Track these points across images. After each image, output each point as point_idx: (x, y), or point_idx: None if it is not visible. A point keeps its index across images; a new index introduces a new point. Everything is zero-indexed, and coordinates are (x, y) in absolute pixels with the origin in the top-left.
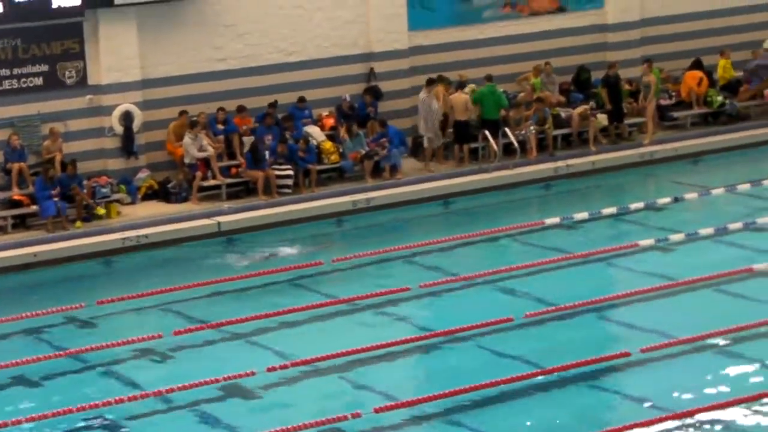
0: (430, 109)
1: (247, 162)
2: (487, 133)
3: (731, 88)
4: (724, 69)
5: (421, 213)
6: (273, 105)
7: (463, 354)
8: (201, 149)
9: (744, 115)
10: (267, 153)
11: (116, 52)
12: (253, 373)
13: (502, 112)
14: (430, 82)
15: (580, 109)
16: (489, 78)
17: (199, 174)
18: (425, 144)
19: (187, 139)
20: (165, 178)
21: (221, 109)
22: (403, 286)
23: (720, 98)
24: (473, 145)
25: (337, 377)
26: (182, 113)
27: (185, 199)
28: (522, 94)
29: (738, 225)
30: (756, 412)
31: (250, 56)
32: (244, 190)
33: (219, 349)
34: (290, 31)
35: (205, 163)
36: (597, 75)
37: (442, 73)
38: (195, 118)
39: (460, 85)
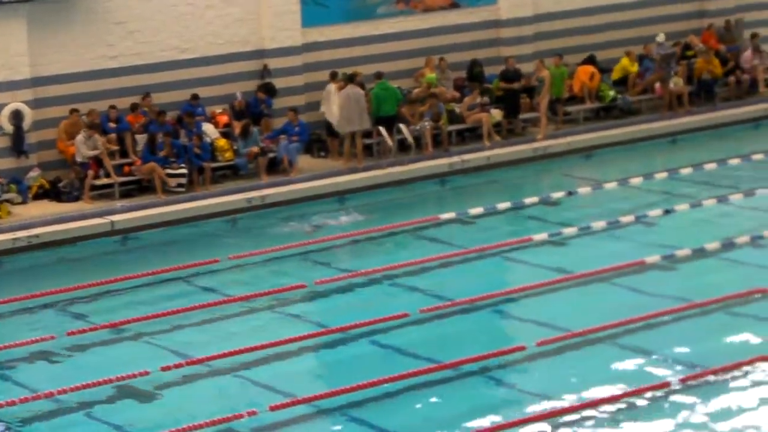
0: (358, 102)
1: (143, 157)
2: (381, 129)
3: (623, 82)
4: (623, 69)
5: (316, 210)
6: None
7: (359, 350)
8: (94, 148)
9: (635, 109)
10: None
11: (5, 50)
12: (147, 373)
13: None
14: (351, 78)
15: (468, 99)
16: (379, 75)
17: (90, 173)
18: (346, 139)
19: (79, 137)
20: (56, 177)
21: (113, 107)
22: (298, 283)
23: (612, 93)
24: (367, 141)
25: (232, 375)
26: (73, 111)
27: (77, 199)
28: (417, 90)
29: (630, 218)
30: (649, 403)
31: (142, 54)
32: (137, 189)
33: (113, 349)
34: (182, 29)
35: (97, 161)
36: (492, 70)
37: (336, 69)
38: (85, 117)
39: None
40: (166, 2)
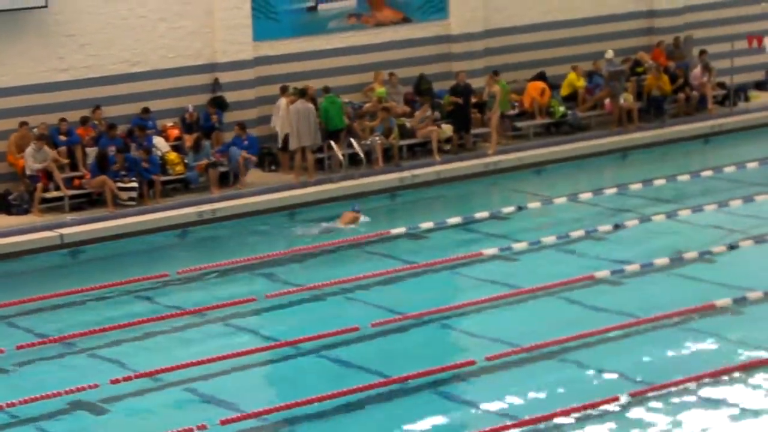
0: (308, 117)
1: (92, 171)
2: (332, 142)
3: (573, 98)
4: (570, 84)
5: (267, 224)
6: (95, 109)
7: (309, 364)
8: (44, 161)
9: (585, 125)
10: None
11: None
12: (96, 386)
13: (347, 121)
14: (303, 93)
15: (418, 113)
16: (326, 90)
17: (40, 185)
18: (297, 154)
19: (29, 150)
20: (6, 189)
21: (63, 119)
22: (249, 297)
23: (562, 108)
24: (318, 156)
25: (182, 389)
26: (23, 124)
27: (27, 212)
28: (368, 104)
29: (580, 233)
30: (599, 417)
31: (93, 66)
32: (87, 202)
33: (62, 363)
34: (133, 42)
35: (47, 174)
36: (442, 86)
37: (287, 83)
38: (36, 130)
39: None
40: (118, 15)
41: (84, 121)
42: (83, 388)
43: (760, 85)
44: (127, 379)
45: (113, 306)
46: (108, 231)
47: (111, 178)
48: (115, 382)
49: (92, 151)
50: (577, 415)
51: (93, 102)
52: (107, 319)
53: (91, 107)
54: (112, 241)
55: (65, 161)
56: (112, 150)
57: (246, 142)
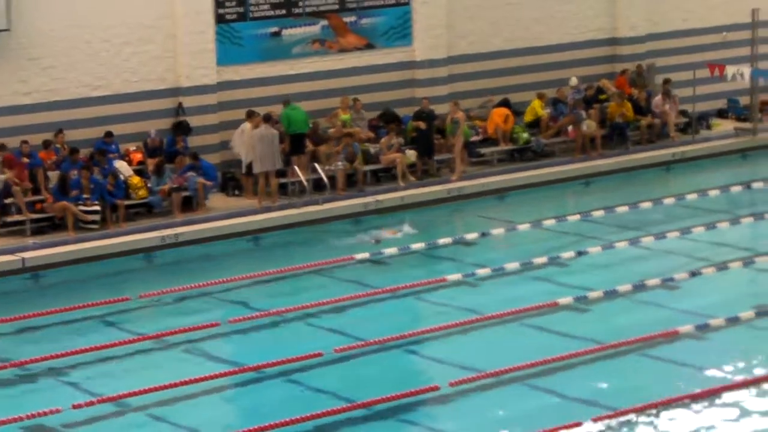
0: (272, 142)
1: (55, 195)
2: (296, 168)
3: (536, 125)
4: (533, 111)
5: (230, 248)
6: (57, 133)
7: (273, 389)
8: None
9: (549, 151)
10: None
11: None
12: (58, 411)
13: (310, 146)
14: (268, 118)
15: (385, 140)
16: (287, 101)
17: None
18: (260, 179)
19: None
20: None
21: (25, 142)
22: (212, 322)
23: (526, 135)
24: (282, 180)
25: (145, 414)
26: None
27: None
28: (332, 130)
29: (543, 259)
30: None
31: (56, 90)
32: (49, 226)
33: (23, 387)
34: (97, 66)
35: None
36: (407, 111)
37: (251, 108)
38: None
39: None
40: (81, 39)
41: (46, 144)
42: (45, 413)
43: (721, 113)
44: (90, 403)
45: (75, 330)
46: (70, 255)
47: (73, 201)
48: (77, 406)
49: (54, 175)
50: None
51: (56, 125)
52: (69, 343)
53: (53, 131)
54: (74, 265)
55: (28, 185)
56: (74, 173)
57: (200, 171)
